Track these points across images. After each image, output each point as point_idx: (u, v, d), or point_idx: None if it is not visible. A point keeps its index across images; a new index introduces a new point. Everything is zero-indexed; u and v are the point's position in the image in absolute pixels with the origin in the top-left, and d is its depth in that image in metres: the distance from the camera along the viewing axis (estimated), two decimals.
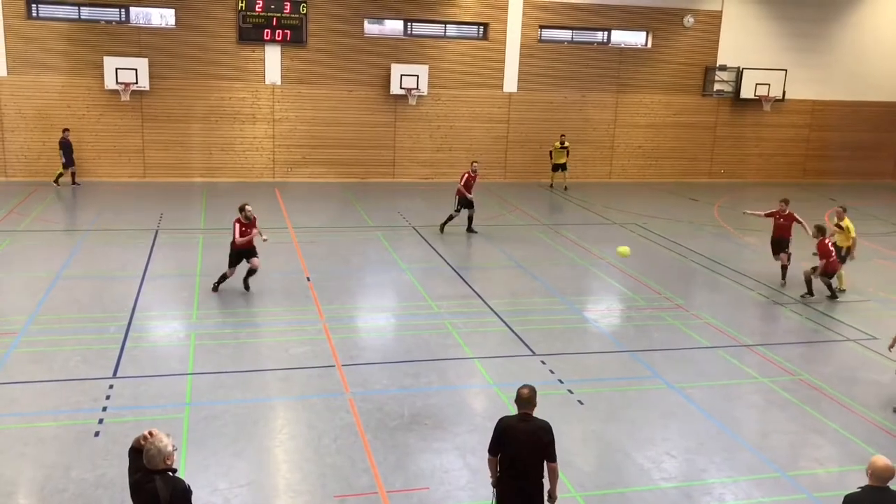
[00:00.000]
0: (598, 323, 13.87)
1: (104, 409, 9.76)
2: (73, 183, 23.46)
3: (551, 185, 26.90)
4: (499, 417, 6.85)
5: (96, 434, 9.13)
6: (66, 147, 23.06)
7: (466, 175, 19.39)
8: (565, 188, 26.45)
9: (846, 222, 16.19)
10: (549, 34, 27.91)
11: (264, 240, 14.45)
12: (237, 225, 14.20)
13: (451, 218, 19.58)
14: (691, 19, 28.48)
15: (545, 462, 6.56)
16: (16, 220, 19.24)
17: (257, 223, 14.52)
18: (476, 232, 19.69)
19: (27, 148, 23.96)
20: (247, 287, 14.48)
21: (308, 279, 15.36)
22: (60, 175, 23.27)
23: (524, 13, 27.01)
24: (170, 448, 5.41)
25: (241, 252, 14.36)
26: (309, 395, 10.47)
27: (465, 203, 19.44)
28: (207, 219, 20.25)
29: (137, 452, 5.46)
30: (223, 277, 14.38)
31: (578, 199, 25.09)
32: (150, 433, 5.38)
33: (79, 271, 15.49)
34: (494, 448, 6.67)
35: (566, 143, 26.33)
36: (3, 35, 23.14)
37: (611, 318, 14.33)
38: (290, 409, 10.15)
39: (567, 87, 28.01)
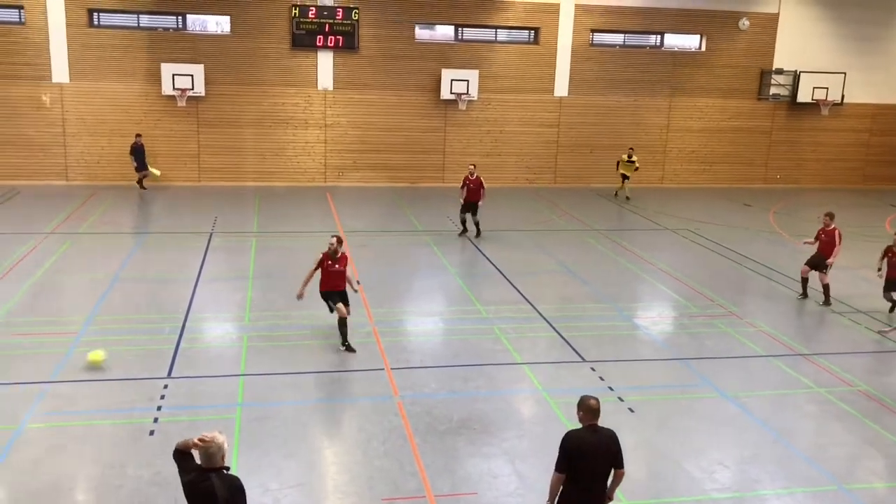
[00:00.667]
0: (650, 330, 13.69)
1: (159, 408, 9.97)
2: (141, 187, 24.01)
3: (616, 194, 26.19)
4: (549, 424, 6.83)
5: (151, 433, 9.32)
6: (136, 152, 23.67)
7: (464, 179, 19.42)
8: (627, 198, 25.60)
9: None
10: (600, 38, 27.71)
11: (355, 290, 12.49)
12: (320, 259, 12.10)
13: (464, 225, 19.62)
14: (746, 22, 27.98)
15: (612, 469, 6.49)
16: (76, 223, 19.77)
17: (349, 264, 12.34)
18: (479, 236, 19.50)
19: (87, 152, 24.62)
20: (347, 347, 12.05)
21: (358, 282, 15.48)
22: (144, 177, 23.89)
23: (575, 17, 26.86)
24: (226, 446, 5.52)
25: (327, 295, 12.14)
26: (358, 398, 10.55)
27: (466, 208, 19.36)
28: (260, 223, 20.55)
29: (183, 454, 5.56)
30: (341, 326, 12.12)
31: (630, 204, 24.83)
32: (206, 436, 5.48)
33: (135, 273, 15.85)
34: (566, 465, 6.36)
35: (633, 157, 25.46)
36: (66, 43, 23.83)
37: (662, 325, 14.14)
38: (340, 412, 10.24)
39: (619, 92, 27.77)
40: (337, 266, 11.99)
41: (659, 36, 28.13)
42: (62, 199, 22.25)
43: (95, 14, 24.21)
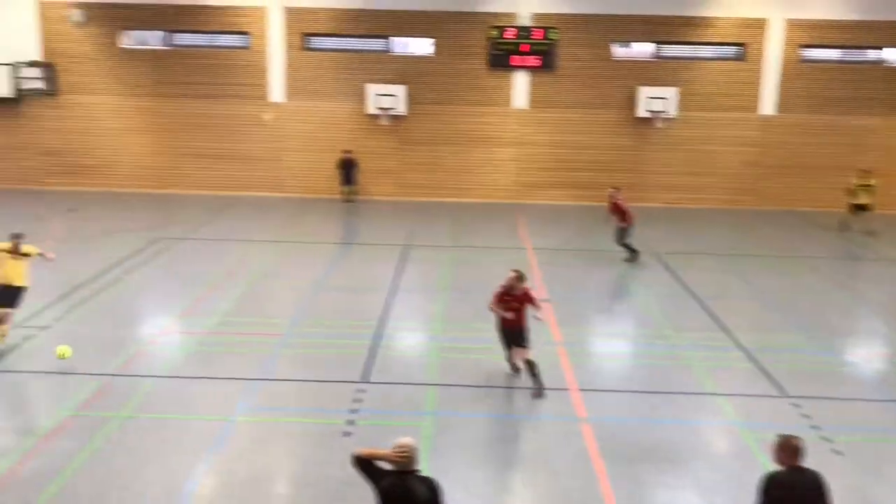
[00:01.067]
0: (862, 366, 12.63)
1: (353, 411, 10.47)
2: (347, 201, 25.45)
3: (847, 226, 22.98)
4: (743, 459, 6.48)
5: (347, 434, 9.81)
6: (345, 166, 25.14)
7: (610, 202, 18.58)
8: (870, 233, 22.37)
9: None
10: (811, 54, 26.03)
11: (537, 318, 11.34)
12: (499, 293, 11.23)
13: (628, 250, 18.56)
14: None
15: None
16: (286, 232, 21.23)
17: (534, 300, 11.23)
18: (631, 260, 18.54)
19: (300, 167, 26.41)
20: (520, 371, 11.45)
21: (545, 300, 15.46)
22: (351, 192, 25.36)
23: (785, 32, 25.44)
24: (418, 450, 5.73)
25: (505, 333, 11.36)
26: (543, 417, 10.53)
27: (620, 233, 18.52)
28: (454, 237, 21.09)
29: (366, 462, 5.79)
30: (514, 367, 11.66)
31: (851, 232, 23.02)
32: (402, 445, 5.70)
33: (337, 282, 16.77)
34: None
35: (871, 181, 22.65)
36: (284, 65, 25.76)
37: (877, 363, 12.99)
38: (527, 429, 10.26)
39: (832, 110, 25.93)
40: (514, 303, 11.04)
41: (879, 50, 26.00)
42: (275, 210, 24.00)
43: (310, 38, 25.98)
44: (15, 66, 25.15)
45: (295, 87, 25.97)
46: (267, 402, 10.80)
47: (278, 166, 26.42)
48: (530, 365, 11.04)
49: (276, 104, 26.02)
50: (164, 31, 25.94)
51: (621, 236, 18.54)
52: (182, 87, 25.93)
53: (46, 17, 25.46)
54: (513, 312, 11.02)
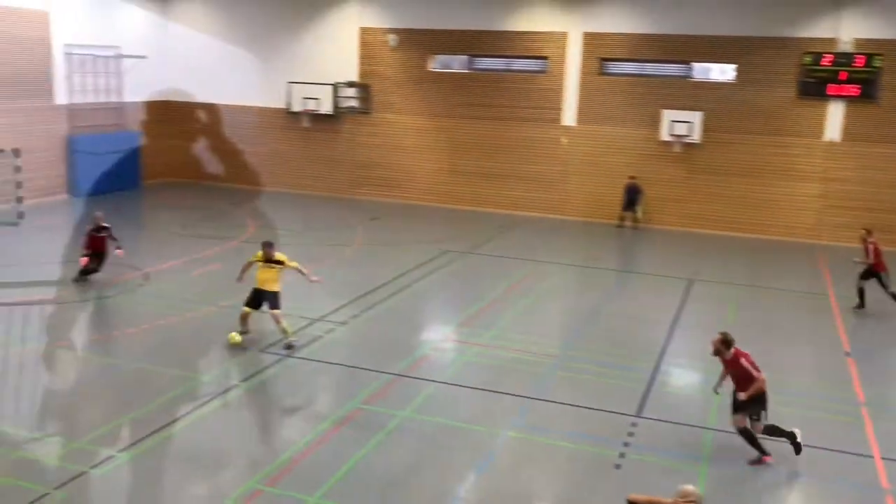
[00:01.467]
0: None
1: (626, 444, 10.13)
2: (621, 224, 25.08)
3: None
4: None
5: (617, 467, 9.51)
6: (629, 192, 24.96)
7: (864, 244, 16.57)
8: None
9: None
10: None
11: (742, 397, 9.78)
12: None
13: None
14: None
15: None
16: (567, 255, 21.28)
17: (742, 368, 9.79)
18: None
19: (585, 191, 26.41)
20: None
21: (847, 354, 13.94)
22: (633, 219, 25.20)
23: None
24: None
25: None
26: (838, 481, 9.44)
27: (866, 275, 16.60)
28: (742, 274, 19.77)
29: None
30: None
31: None
32: (689, 493, 5.40)
33: (614, 308, 16.46)
34: None
35: None
36: (577, 89, 25.97)
37: None
38: (813, 494, 9.28)
39: None
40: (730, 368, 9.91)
41: None
42: (558, 232, 24.20)
43: (606, 63, 25.94)
44: (336, 87, 27.92)
45: (587, 111, 26.04)
46: (539, 422, 10.81)
47: (563, 189, 26.63)
48: (746, 432, 9.80)
49: (567, 128, 26.29)
50: (468, 55, 27.33)
51: (868, 279, 16.58)
52: (479, 109, 27.11)
53: (364, 42, 27.96)
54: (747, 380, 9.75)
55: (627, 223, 25.13)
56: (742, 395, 9.65)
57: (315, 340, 13.64)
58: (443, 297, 17.12)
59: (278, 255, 13.34)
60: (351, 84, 27.92)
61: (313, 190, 28.94)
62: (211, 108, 29.74)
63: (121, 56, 27.70)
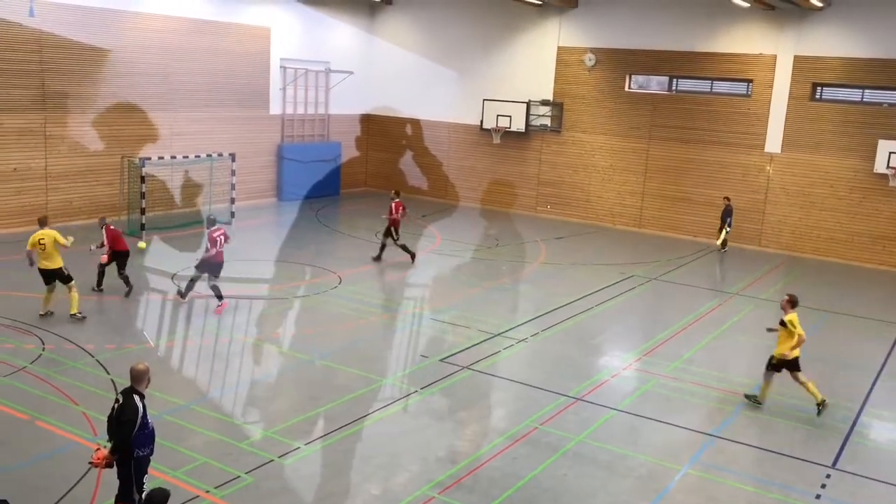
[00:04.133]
0: None
1: (818, 496, 9.42)
2: (721, 248, 24.03)
3: None
4: None
5: None
6: (725, 213, 23.82)
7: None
8: None
9: None
10: None
11: None
12: None
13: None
14: None
15: None
16: (761, 288, 20.13)
17: None
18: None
19: (784, 222, 24.88)
20: None
21: None
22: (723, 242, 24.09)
23: None
24: None
25: None
26: None
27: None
28: None
29: None
30: None
31: None
32: None
33: (811, 350, 15.29)
34: None
35: None
36: (784, 115, 24.55)
37: None
38: None
39: None
40: None
41: None
42: (751, 263, 22.95)
43: (819, 88, 24.36)
44: (529, 104, 28.14)
45: (794, 138, 24.55)
46: (720, 461, 10.28)
47: (759, 218, 25.23)
48: None
49: (770, 154, 24.93)
50: (668, 76, 26.64)
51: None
52: (675, 131, 26.30)
53: (561, 61, 27.96)
54: None
55: (724, 241, 24.07)
56: None
57: (494, 355, 13.75)
58: (625, 322, 16.72)
59: None
60: (545, 102, 28.06)
61: (498, 206, 29.30)
62: (408, 123, 30.93)
63: (329, 71, 29.47)
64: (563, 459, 9.95)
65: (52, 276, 14.08)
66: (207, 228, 15.41)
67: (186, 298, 15.41)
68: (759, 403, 12.07)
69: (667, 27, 25.84)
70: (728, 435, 11.06)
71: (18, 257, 17.68)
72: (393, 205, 19.91)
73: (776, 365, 11.93)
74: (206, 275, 15.28)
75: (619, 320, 16.74)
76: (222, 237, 15.26)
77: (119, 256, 15.63)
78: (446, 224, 26.26)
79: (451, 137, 30.25)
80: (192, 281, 15.45)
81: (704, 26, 25.32)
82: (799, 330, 11.62)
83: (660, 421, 11.37)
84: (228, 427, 10.48)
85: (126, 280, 15.68)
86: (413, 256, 19.86)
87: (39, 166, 21.24)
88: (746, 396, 12.27)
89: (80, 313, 14.15)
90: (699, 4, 24.84)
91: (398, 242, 19.68)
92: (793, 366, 11.83)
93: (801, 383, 11.88)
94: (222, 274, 15.38)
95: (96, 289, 15.87)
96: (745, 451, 10.65)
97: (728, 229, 23.93)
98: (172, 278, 17.09)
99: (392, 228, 19.71)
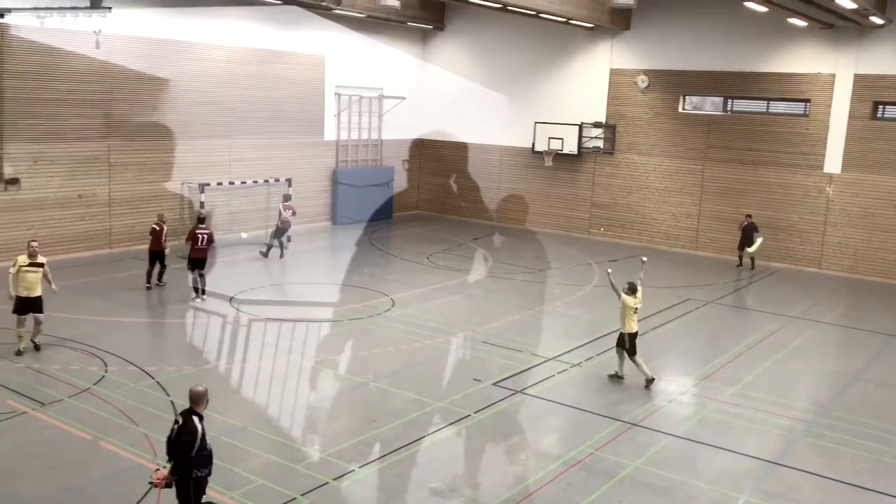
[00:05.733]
0: None
1: None
2: (740, 264, 24.20)
3: None
4: None
5: None
6: (746, 230, 23.67)
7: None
8: None
9: None
10: None
11: None
12: None
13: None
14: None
15: None
16: (824, 311, 19.62)
17: None
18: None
19: (845, 244, 24.26)
20: None
21: None
22: (742, 256, 24.08)
23: None
24: None
25: None
26: None
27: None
28: None
29: None
30: None
31: None
32: None
33: (880, 375, 14.89)
34: None
35: None
36: (844, 135, 24.02)
37: None
38: None
39: None
40: None
41: None
42: (812, 286, 22.41)
43: (881, 106, 23.80)
44: (582, 127, 28.06)
45: (854, 158, 23.99)
46: (781, 490, 10.01)
47: (819, 240, 24.65)
48: None
49: (830, 175, 24.38)
50: (723, 96, 26.32)
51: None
52: (731, 153, 25.91)
53: (614, 83, 27.86)
54: None
55: (746, 261, 24.10)
56: None
57: (547, 379, 13.66)
58: (682, 346, 16.46)
59: None
60: (597, 124, 27.96)
61: (551, 228, 29.20)
62: (460, 147, 31.12)
63: (382, 97, 29.85)
64: (618, 486, 9.81)
65: (31, 306, 13.56)
66: (196, 225, 17.70)
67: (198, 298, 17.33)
68: (621, 378, 13.61)
69: (720, 48, 25.58)
70: (789, 462, 10.77)
71: (83, 281, 18.27)
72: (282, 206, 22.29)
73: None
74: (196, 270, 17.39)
75: (677, 345, 16.48)
76: (204, 236, 17.38)
77: (155, 255, 18.13)
78: (498, 247, 26.26)
79: (503, 161, 30.32)
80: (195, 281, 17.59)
81: (759, 47, 25.00)
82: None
83: (719, 447, 11.14)
84: (285, 449, 10.59)
85: (160, 276, 18.32)
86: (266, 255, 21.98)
87: (103, 192, 21.91)
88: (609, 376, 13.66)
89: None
90: (754, 25, 24.54)
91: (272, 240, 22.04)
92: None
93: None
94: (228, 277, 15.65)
95: (158, 283, 18.30)
96: (806, 479, 10.34)
97: (751, 249, 23.81)
98: (230, 301, 17.45)
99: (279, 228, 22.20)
